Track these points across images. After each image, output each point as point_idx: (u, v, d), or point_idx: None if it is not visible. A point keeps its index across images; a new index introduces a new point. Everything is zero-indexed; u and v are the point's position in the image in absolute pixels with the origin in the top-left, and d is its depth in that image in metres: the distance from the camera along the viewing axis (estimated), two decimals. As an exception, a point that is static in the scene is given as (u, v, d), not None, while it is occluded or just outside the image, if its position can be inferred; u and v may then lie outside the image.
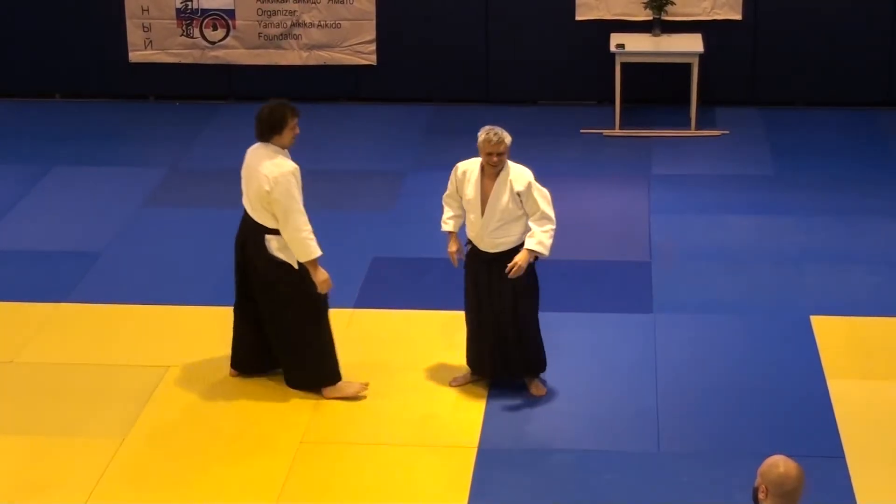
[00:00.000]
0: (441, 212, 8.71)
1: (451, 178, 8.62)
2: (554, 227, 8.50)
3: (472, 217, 8.50)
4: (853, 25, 13.56)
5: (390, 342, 9.41)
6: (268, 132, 8.42)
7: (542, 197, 8.51)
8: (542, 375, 8.83)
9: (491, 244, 8.48)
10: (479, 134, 8.38)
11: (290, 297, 8.47)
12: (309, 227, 8.35)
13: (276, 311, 8.54)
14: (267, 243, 8.39)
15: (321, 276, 8.44)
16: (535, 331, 8.70)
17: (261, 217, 8.38)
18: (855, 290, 10.10)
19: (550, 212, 8.52)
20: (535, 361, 8.76)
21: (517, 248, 8.46)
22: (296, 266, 8.41)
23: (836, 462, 7.95)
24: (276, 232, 8.37)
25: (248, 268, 8.57)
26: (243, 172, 8.50)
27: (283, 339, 8.62)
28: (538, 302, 8.70)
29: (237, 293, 8.77)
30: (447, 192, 8.66)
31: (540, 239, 8.41)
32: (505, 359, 8.68)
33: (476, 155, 8.52)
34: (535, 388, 8.73)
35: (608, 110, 13.45)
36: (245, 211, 8.51)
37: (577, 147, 13.01)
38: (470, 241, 8.61)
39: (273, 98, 8.65)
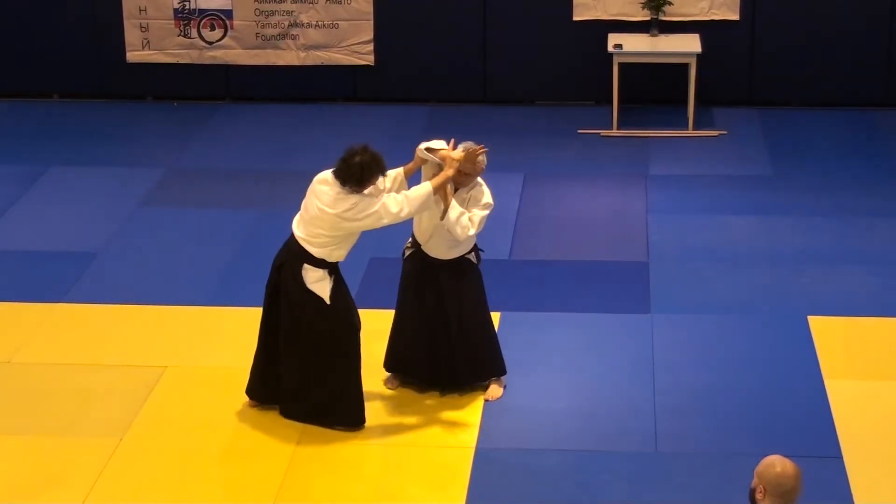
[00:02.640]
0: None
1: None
2: (473, 227, 8.29)
3: (428, 216, 8.37)
4: (851, 26, 13.56)
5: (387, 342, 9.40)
6: (350, 181, 7.96)
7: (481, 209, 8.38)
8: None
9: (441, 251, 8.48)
10: (473, 148, 8.23)
11: (314, 330, 8.21)
12: (397, 202, 7.99)
13: (297, 338, 8.26)
14: (304, 273, 8.13)
15: (448, 170, 8.05)
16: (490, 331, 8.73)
17: (313, 240, 8.07)
18: (852, 290, 10.10)
19: (480, 214, 8.32)
20: (491, 363, 8.75)
21: (462, 258, 8.49)
22: (328, 301, 8.16)
23: (834, 462, 7.95)
24: (317, 263, 8.12)
25: (280, 289, 8.27)
26: (308, 198, 8.14)
27: (296, 368, 8.32)
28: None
29: (264, 322, 8.43)
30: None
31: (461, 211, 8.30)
32: (452, 364, 8.66)
33: (486, 158, 8.42)
34: (492, 392, 8.71)
35: (606, 110, 13.45)
36: (292, 234, 8.21)
37: (574, 147, 13.00)
38: (416, 245, 8.55)
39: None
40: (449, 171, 8.09)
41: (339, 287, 8.26)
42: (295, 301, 8.20)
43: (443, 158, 8.15)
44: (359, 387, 8.38)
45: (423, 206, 8.09)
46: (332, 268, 8.20)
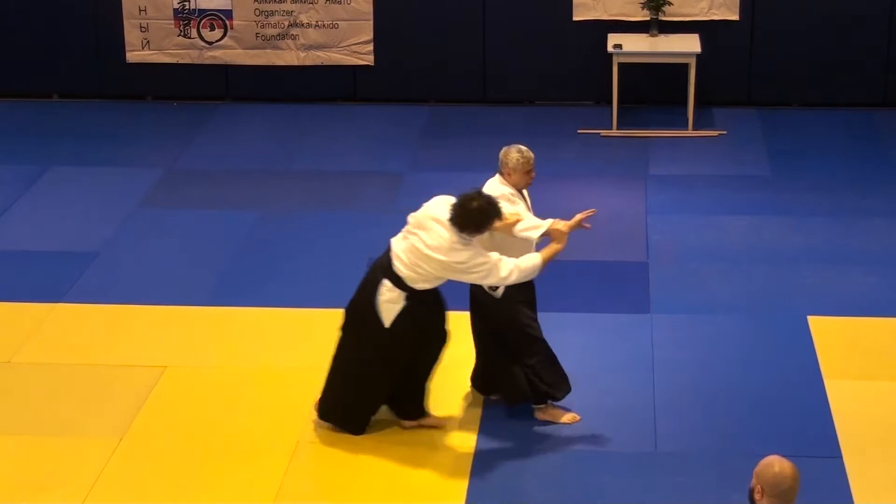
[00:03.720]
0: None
1: (512, 199, 8.21)
2: None
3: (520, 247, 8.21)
4: (850, 26, 13.57)
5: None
6: (470, 227, 7.76)
7: None
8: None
9: None
10: (509, 156, 8.18)
11: (362, 340, 8.07)
12: (507, 267, 7.80)
13: (347, 343, 8.16)
14: (381, 286, 7.95)
15: (558, 245, 7.97)
16: None
17: (409, 264, 7.87)
18: (852, 290, 10.10)
19: None
20: None
21: None
22: (386, 325, 7.97)
23: (834, 462, 7.95)
24: (399, 284, 7.89)
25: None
26: (417, 227, 7.90)
27: (340, 369, 8.25)
28: None
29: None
30: (519, 209, 8.20)
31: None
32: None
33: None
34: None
35: (605, 110, 13.45)
36: (389, 247, 8.02)
37: (574, 147, 13.00)
38: None
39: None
40: (559, 246, 8.00)
41: (407, 315, 7.95)
42: (362, 308, 8.03)
43: (552, 233, 8.03)
44: (370, 407, 8.27)
45: (529, 276, 7.97)
46: (411, 293, 7.95)
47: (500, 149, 8.39)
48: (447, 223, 7.80)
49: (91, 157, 12.94)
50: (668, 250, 10.76)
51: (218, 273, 10.50)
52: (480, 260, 7.80)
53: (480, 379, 8.64)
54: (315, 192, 12.04)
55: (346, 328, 8.23)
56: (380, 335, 8.02)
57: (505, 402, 8.54)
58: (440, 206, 7.89)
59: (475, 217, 7.76)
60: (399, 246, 7.98)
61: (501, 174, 8.28)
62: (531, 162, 8.26)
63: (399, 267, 7.92)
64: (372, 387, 8.22)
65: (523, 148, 8.29)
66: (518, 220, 8.08)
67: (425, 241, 7.84)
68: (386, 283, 7.95)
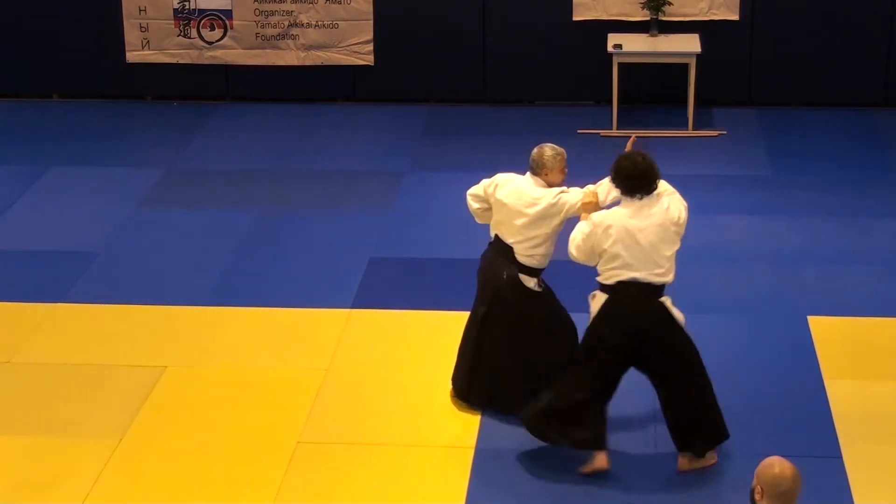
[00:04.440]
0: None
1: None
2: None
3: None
4: (850, 26, 13.57)
5: (387, 342, 9.41)
6: (656, 181, 7.81)
7: None
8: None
9: None
10: (544, 156, 8.20)
11: (695, 353, 7.89)
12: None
13: (686, 370, 7.90)
14: (666, 309, 7.74)
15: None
16: None
17: (668, 270, 7.74)
18: (852, 290, 10.10)
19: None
20: None
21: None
22: (683, 321, 7.82)
23: (834, 462, 7.95)
24: (663, 291, 7.77)
25: (643, 347, 7.79)
26: (627, 244, 7.73)
27: (691, 397, 7.91)
28: None
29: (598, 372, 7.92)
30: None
31: None
32: None
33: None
34: None
35: (605, 111, 13.45)
36: (625, 289, 7.74)
37: (574, 147, 12.87)
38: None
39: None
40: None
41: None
42: (669, 341, 7.82)
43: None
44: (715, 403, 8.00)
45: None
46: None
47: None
48: (646, 201, 7.79)
49: (91, 157, 12.94)
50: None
51: (218, 273, 10.50)
52: (675, 195, 7.97)
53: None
54: (315, 191, 12.04)
55: (681, 368, 7.90)
56: (688, 338, 7.89)
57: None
58: (621, 214, 7.80)
59: (651, 166, 7.80)
60: (639, 271, 7.72)
61: (536, 174, 8.25)
62: (565, 158, 8.30)
63: (666, 279, 7.76)
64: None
65: (555, 146, 8.32)
66: (595, 194, 8.23)
67: (656, 231, 7.74)
68: (667, 299, 7.80)
